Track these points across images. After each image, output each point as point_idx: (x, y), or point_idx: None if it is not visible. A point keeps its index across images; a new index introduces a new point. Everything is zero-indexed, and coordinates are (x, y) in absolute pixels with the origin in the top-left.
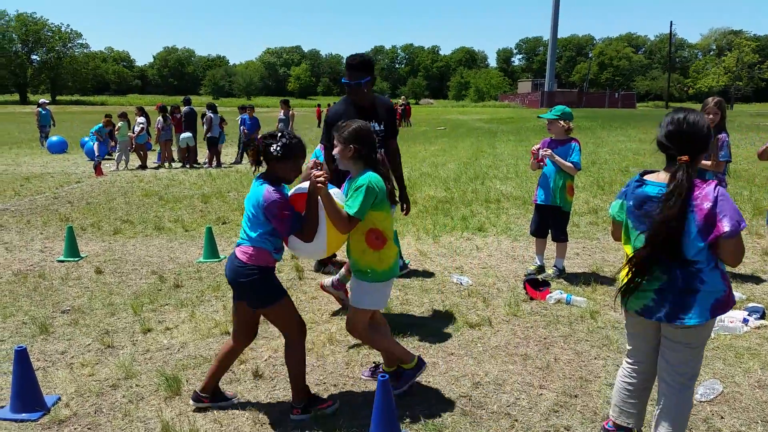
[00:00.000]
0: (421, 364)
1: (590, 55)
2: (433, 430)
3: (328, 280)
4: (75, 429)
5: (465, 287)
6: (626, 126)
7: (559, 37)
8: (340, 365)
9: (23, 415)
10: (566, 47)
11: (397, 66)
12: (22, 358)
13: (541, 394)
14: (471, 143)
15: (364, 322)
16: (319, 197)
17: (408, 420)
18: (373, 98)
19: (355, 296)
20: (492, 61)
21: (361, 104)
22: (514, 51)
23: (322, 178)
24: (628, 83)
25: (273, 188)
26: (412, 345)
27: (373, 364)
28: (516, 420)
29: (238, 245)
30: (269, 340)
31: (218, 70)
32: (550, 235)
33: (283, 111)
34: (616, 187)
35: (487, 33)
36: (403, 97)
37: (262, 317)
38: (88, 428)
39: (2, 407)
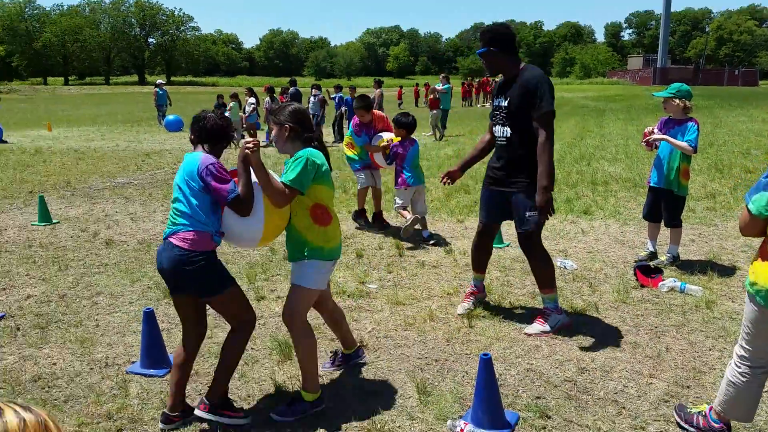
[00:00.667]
0: (321, 402)
1: (707, 29)
2: (536, 411)
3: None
4: (196, 387)
5: (570, 271)
6: (747, 105)
7: (672, 10)
8: (441, 341)
9: (151, 370)
10: (680, 21)
11: None
12: (149, 319)
13: (651, 383)
14: (576, 122)
15: (306, 308)
16: (255, 169)
17: (511, 400)
18: (510, 71)
19: (297, 276)
20: (599, 36)
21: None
22: (624, 25)
23: (251, 144)
24: (750, 59)
25: (205, 156)
26: (513, 327)
27: (332, 353)
28: (623, 407)
29: (173, 233)
30: (372, 313)
31: (320, 52)
32: (664, 221)
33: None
34: (735, 171)
35: (594, 7)
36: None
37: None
38: (207, 386)
39: (133, 362)
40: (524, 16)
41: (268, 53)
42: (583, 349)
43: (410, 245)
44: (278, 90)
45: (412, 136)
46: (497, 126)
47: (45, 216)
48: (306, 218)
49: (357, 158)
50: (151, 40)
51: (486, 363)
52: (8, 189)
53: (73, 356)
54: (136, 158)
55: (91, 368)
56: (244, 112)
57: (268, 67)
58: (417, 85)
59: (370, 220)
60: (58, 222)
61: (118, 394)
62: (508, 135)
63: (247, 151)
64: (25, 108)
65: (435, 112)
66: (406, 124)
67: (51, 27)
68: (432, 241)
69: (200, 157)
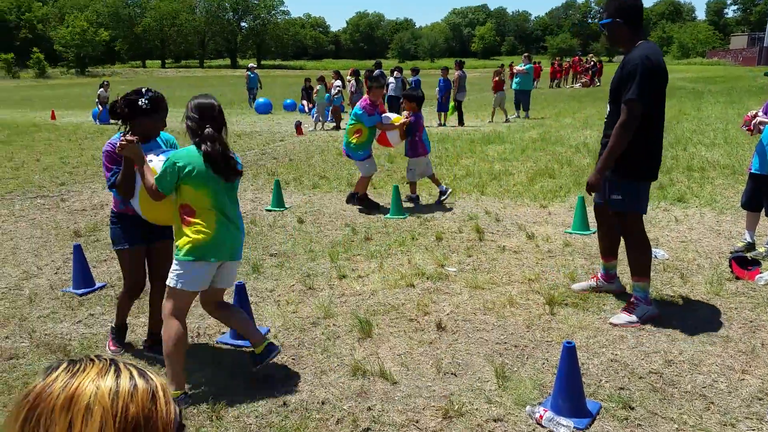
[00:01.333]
0: (185, 399)
1: None
2: (619, 401)
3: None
4: (282, 359)
5: (660, 261)
6: None
7: None
8: (521, 327)
9: (240, 341)
10: None
11: (589, 21)
12: (241, 292)
13: (743, 379)
14: (672, 104)
15: (179, 308)
16: (134, 162)
17: (593, 390)
18: (630, 46)
19: (170, 276)
20: (700, 14)
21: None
22: (728, 2)
23: (124, 141)
24: None
25: (112, 140)
26: (597, 317)
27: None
28: (712, 402)
29: None
30: (450, 296)
31: (405, 33)
32: (764, 210)
33: (336, 80)
34: None
35: None
36: (591, 54)
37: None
38: (293, 359)
39: (223, 333)
40: None
41: (353, 36)
42: (672, 341)
43: (491, 230)
44: (362, 73)
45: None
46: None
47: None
48: (177, 218)
49: (364, 145)
50: (243, 24)
51: (569, 351)
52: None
53: None
54: (228, 140)
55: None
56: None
57: (353, 50)
58: (502, 66)
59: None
60: None
61: (210, 364)
62: (608, 112)
63: (121, 145)
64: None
65: (498, 94)
66: (417, 98)
67: (150, 12)
68: (443, 197)
69: (110, 139)
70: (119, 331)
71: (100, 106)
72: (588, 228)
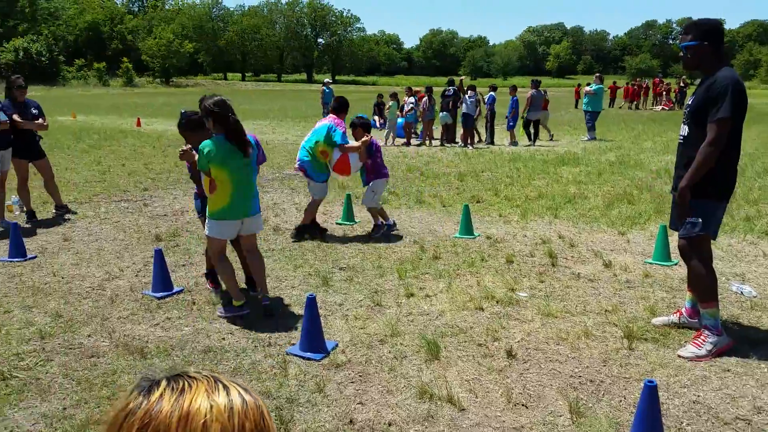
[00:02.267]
0: (243, 309)
1: None
2: None
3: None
4: (348, 375)
5: (747, 298)
6: None
7: None
8: (597, 361)
9: (309, 354)
10: None
11: (670, 42)
12: (312, 305)
13: None
14: (760, 131)
15: (213, 248)
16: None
17: (674, 430)
18: (712, 69)
19: (205, 228)
20: None
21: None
22: None
23: (182, 150)
24: None
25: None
26: (671, 355)
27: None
28: None
29: None
30: (521, 323)
31: (478, 51)
32: None
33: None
34: None
35: None
36: (679, 76)
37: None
38: (360, 375)
39: (293, 344)
40: (704, 12)
41: (426, 53)
42: (761, 386)
43: (564, 255)
44: (416, 89)
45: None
46: (682, 124)
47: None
48: (207, 189)
49: (324, 167)
50: (320, 40)
51: (650, 390)
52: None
53: (240, 333)
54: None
55: (255, 346)
56: (401, 111)
57: (425, 66)
58: (579, 85)
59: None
60: None
61: (278, 374)
62: (686, 134)
63: (180, 153)
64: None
65: (544, 112)
66: (364, 124)
67: (233, 26)
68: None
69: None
70: (212, 275)
71: None
72: (670, 258)
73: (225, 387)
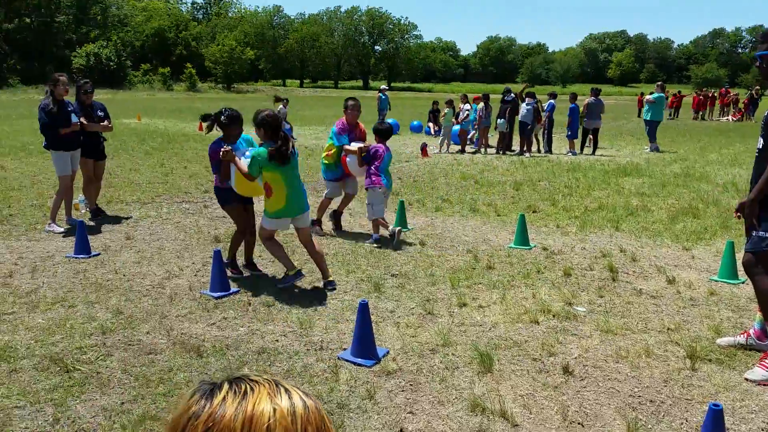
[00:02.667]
0: (299, 274)
1: None
2: None
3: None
4: (399, 383)
5: None
6: None
7: None
8: (657, 381)
9: (360, 359)
10: None
11: (739, 51)
12: (364, 310)
13: None
14: None
15: (264, 235)
16: (230, 162)
17: None
18: None
19: (261, 220)
20: None
21: None
22: None
23: (224, 150)
24: None
25: (214, 142)
26: (736, 377)
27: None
28: None
29: None
30: (579, 338)
31: (536, 58)
32: None
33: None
34: None
35: None
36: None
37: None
38: (410, 384)
39: (344, 349)
40: None
41: (483, 60)
42: None
43: (625, 269)
44: (470, 96)
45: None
46: (759, 137)
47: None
48: (264, 192)
49: (332, 167)
50: (377, 47)
51: (716, 414)
52: None
53: (294, 335)
54: None
55: (308, 349)
56: (457, 118)
57: (482, 73)
58: (642, 94)
59: (326, 223)
60: None
61: (329, 378)
62: (761, 146)
63: (222, 154)
64: (267, 106)
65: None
66: (382, 131)
67: (293, 34)
68: (397, 234)
69: (210, 144)
70: (233, 262)
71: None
72: (737, 276)
73: (287, 391)
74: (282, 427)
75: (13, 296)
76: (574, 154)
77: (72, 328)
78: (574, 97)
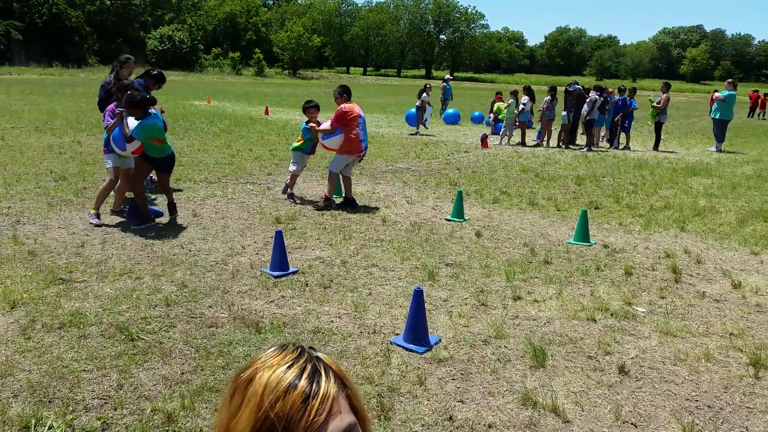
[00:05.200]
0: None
1: None
2: None
3: None
4: (450, 371)
5: None
6: None
7: None
8: (717, 386)
9: (412, 345)
10: None
11: None
12: (418, 297)
13: None
14: None
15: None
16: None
17: None
18: None
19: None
20: None
21: None
22: None
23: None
24: None
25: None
26: None
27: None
28: None
29: None
30: (637, 339)
31: (606, 51)
32: None
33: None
34: None
35: None
36: None
37: None
38: (461, 374)
39: (397, 334)
40: None
41: (550, 51)
42: None
43: (689, 271)
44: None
45: None
46: None
47: (338, 189)
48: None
49: (301, 146)
50: (441, 36)
51: None
52: (311, 162)
53: (348, 317)
54: (415, 147)
55: (361, 332)
56: (518, 110)
57: (548, 65)
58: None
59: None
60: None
61: (381, 362)
62: None
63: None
64: (330, 93)
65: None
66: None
67: (359, 22)
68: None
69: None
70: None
71: (429, 107)
72: None
73: (296, 365)
74: (256, 394)
75: (84, 265)
76: (627, 148)
77: (138, 298)
78: (633, 92)
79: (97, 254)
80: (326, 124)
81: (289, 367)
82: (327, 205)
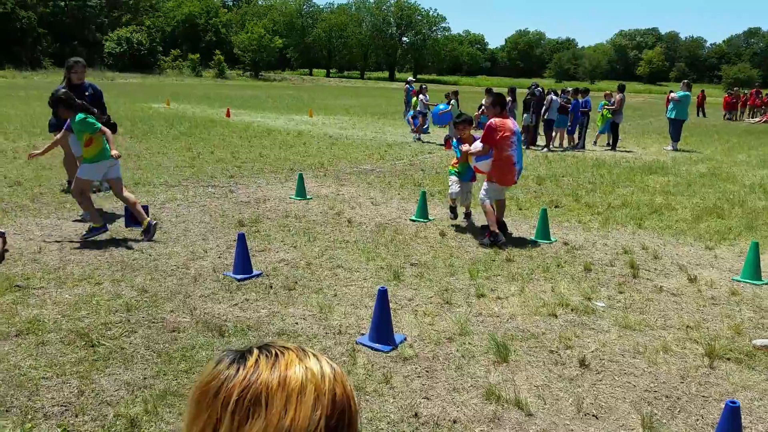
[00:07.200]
0: (104, 228)
1: None
2: None
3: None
4: (415, 369)
5: None
6: None
7: None
8: (674, 377)
9: (377, 345)
10: None
11: None
12: (383, 297)
13: None
14: None
15: (79, 188)
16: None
17: None
18: None
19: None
20: None
21: None
22: None
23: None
24: None
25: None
26: (765, 377)
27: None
28: None
29: None
30: (597, 333)
31: (565, 53)
32: None
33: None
34: None
35: None
36: None
37: None
38: (426, 371)
39: (362, 334)
40: None
41: (511, 54)
42: None
43: (649, 268)
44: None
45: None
46: None
47: (301, 192)
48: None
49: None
50: (404, 39)
51: (733, 412)
52: (274, 165)
53: (313, 319)
54: (379, 148)
55: (326, 333)
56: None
57: (509, 68)
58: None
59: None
60: (312, 198)
61: (347, 362)
62: None
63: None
64: (292, 95)
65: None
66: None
67: (321, 23)
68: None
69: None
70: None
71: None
72: (760, 278)
73: (314, 355)
74: (312, 386)
75: (41, 272)
76: (577, 148)
77: (98, 304)
78: (585, 92)
79: (55, 260)
80: (477, 144)
81: (314, 357)
82: (493, 241)
